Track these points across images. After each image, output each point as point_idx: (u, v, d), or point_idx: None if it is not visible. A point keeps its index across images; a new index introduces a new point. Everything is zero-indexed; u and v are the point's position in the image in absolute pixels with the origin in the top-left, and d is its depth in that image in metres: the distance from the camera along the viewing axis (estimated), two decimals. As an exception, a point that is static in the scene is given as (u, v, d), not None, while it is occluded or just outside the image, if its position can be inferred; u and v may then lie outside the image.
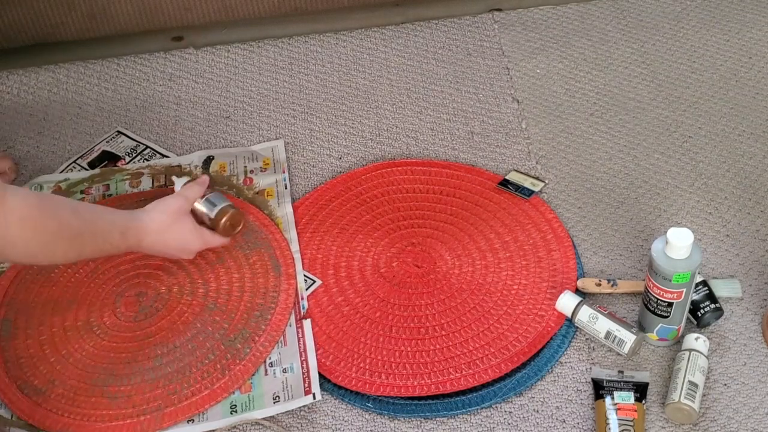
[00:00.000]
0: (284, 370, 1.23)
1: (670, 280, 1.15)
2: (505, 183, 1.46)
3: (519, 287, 1.32)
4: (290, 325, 1.28)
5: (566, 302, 1.25)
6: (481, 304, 1.30)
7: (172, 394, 1.21)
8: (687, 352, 1.18)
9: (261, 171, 1.52)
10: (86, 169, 1.55)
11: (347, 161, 1.54)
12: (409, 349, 1.26)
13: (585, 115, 1.59)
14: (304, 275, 1.35)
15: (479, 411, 1.19)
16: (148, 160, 1.56)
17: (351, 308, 1.31)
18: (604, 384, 1.19)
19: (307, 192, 1.49)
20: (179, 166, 1.53)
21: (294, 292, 1.32)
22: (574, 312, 1.24)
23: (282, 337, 1.27)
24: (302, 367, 1.23)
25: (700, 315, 1.24)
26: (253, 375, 1.23)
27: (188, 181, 1.35)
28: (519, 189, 1.45)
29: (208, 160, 1.54)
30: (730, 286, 1.29)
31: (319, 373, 1.22)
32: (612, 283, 1.30)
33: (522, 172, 1.49)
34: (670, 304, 1.18)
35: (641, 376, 1.20)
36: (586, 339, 1.26)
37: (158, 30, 1.82)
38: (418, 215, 1.44)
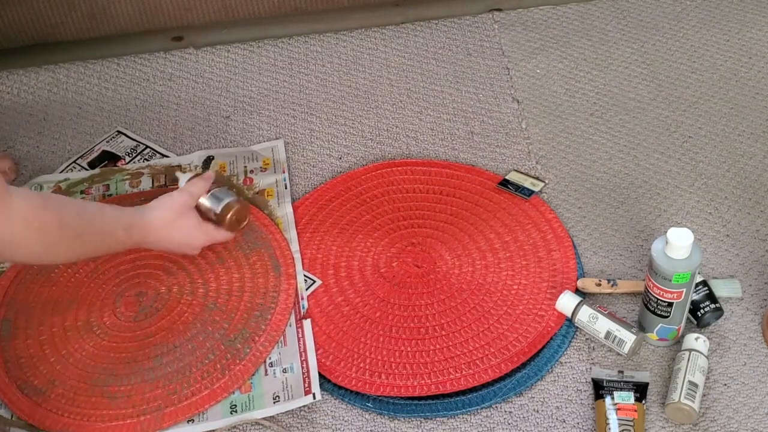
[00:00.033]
0: (284, 370, 1.23)
1: (670, 280, 1.15)
2: (505, 183, 1.46)
3: (519, 287, 1.32)
4: (290, 325, 1.28)
5: (566, 302, 1.25)
6: (481, 304, 1.30)
7: (172, 394, 1.21)
8: (687, 352, 1.18)
9: (261, 171, 1.52)
10: (86, 169, 1.55)
11: (347, 161, 1.54)
12: (409, 349, 1.26)
13: (585, 115, 1.59)
14: (304, 275, 1.35)
15: (479, 411, 1.19)
16: (148, 160, 1.56)
17: (351, 308, 1.31)
18: (604, 384, 1.18)
19: (307, 192, 1.49)
20: (179, 166, 1.53)
21: (294, 292, 1.32)
22: (574, 312, 1.24)
23: (282, 337, 1.27)
24: (302, 367, 1.23)
25: (700, 315, 1.24)
26: (253, 375, 1.23)
27: (192, 177, 1.35)
28: (519, 189, 1.45)
29: (208, 160, 1.54)
30: (730, 286, 1.29)
31: (319, 373, 1.22)
32: (612, 283, 1.30)
33: (522, 172, 1.49)
34: (670, 304, 1.18)
35: (641, 376, 1.20)
36: (586, 339, 1.26)
37: (158, 30, 1.82)
38: (418, 215, 1.44)
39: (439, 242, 1.39)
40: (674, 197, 1.44)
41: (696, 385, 1.15)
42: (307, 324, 1.28)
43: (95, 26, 1.79)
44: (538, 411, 1.19)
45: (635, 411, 1.15)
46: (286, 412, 1.19)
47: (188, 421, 1.19)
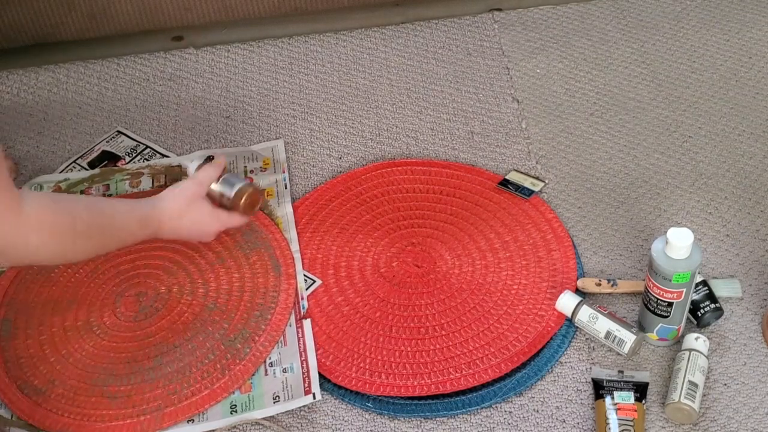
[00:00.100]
0: (284, 370, 1.23)
1: (670, 280, 1.15)
2: (505, 183, 1.46)
3: (519, 287, 1.32)
4: (290, 325, 1.28)
5: (566, 302, 1.25)
6: (481, 304, 1.30)
7: (172, 394, 1.21)
8: (687, 352, 1.18)
9: (261, 171, 1.52)
10: (86, 169, 1.55)
11: (347, 161, 1.54)
12: (409, 349, 1.25)
13: (585, 115, 1.59)
14: (304, 275, 1.35)
15: (479, 411, 1.19)
16: (148, 160, 1.56)
17: (351, 308, 1.31)
18: (604, 384, 1.18)
19: (307, 192, 1.49)
20: (179, 166, 1.53)
21: (294, 292, 1.32)
22: (574, 312, 1.24)
23: (282, 337, 1.27)
24: (302, 367, 1.23)
25: (700, 315, 1.24)
26: (253, 375, 1.23)
27: (201, 165, 1.33)
28: (519, 189, 1.45)
29: (208, 160, 1.54)
30: (730, 286, 1.29)
31: (319, 373, 1.22)
32: (612, 283, 1.30)
33: (522, 172, 1.49)
34: (670, 304, 1.18)
35: (641, 376, 1.20)
36: (586, 339, 1.26)
37: (158, 30, 1.82)
38: (418, 215, 1.44)
39: (439, 242, 1.39)
40: (674, 197, 1.44)
41: (696, 385, 1.15)
42: (307, 324, 1.28)
43: (95, 26, 1.79)
44: (538, 411, 1.19)
45: (635, 411, 1.15)
46: (286, 412, 1.19)
47: (188, 421, 1.19)
